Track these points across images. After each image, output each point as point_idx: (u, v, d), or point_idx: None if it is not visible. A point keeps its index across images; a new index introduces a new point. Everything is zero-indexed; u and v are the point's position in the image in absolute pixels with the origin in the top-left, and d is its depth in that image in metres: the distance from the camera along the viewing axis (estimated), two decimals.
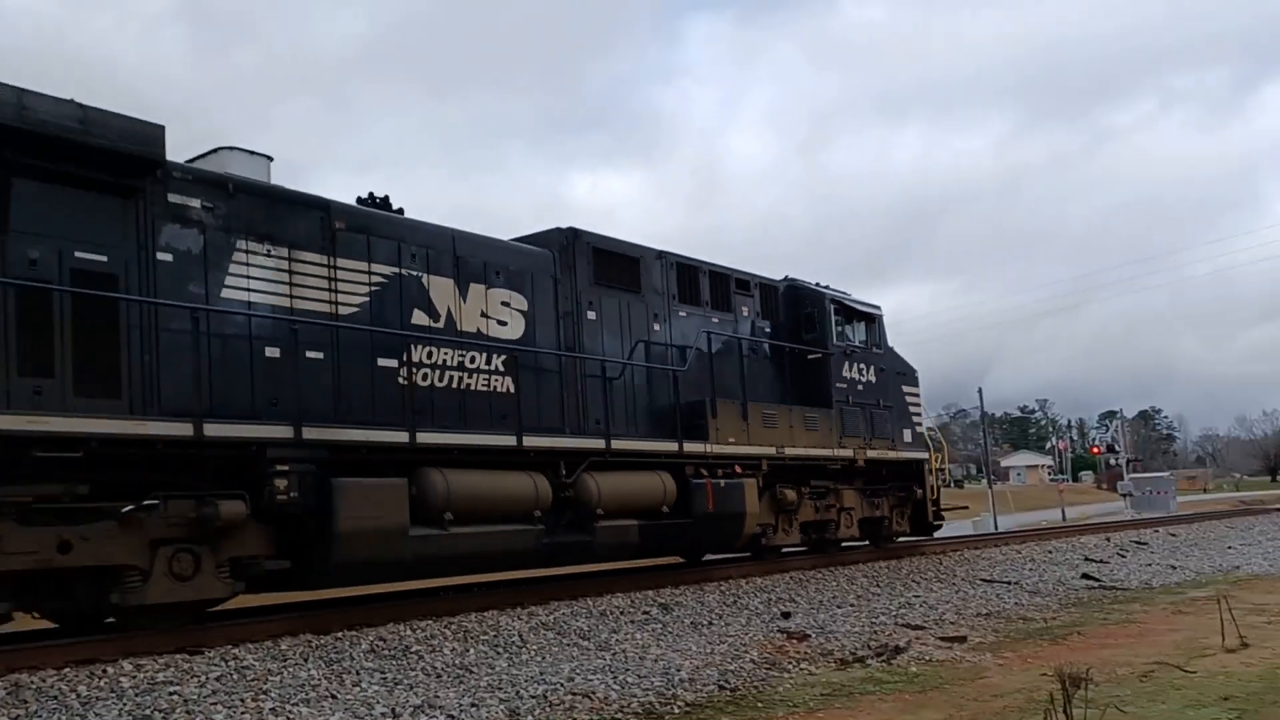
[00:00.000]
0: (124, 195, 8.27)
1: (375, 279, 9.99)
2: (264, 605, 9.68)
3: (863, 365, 15.98)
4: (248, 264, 9.05)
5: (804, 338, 15.29)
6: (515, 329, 11.22)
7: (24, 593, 7.61)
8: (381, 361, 9.81)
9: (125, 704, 6.30)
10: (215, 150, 9.59)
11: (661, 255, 13.34)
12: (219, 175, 9.12)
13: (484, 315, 10.90)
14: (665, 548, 13.19)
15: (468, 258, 10.90)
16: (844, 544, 15.63)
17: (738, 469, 13.09)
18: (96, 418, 7.62)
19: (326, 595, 10.39)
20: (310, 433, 8.75)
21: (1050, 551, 18.17)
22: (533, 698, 6.92)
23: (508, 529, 10.21)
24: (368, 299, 9.89)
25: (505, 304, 11.17)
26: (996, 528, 28.46)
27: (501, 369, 10.84)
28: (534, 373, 11.24)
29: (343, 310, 9.65)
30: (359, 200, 10.58)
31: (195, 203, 8.77)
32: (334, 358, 9.46)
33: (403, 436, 9.48)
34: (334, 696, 6.83)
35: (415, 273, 10.34)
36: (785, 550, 14.56)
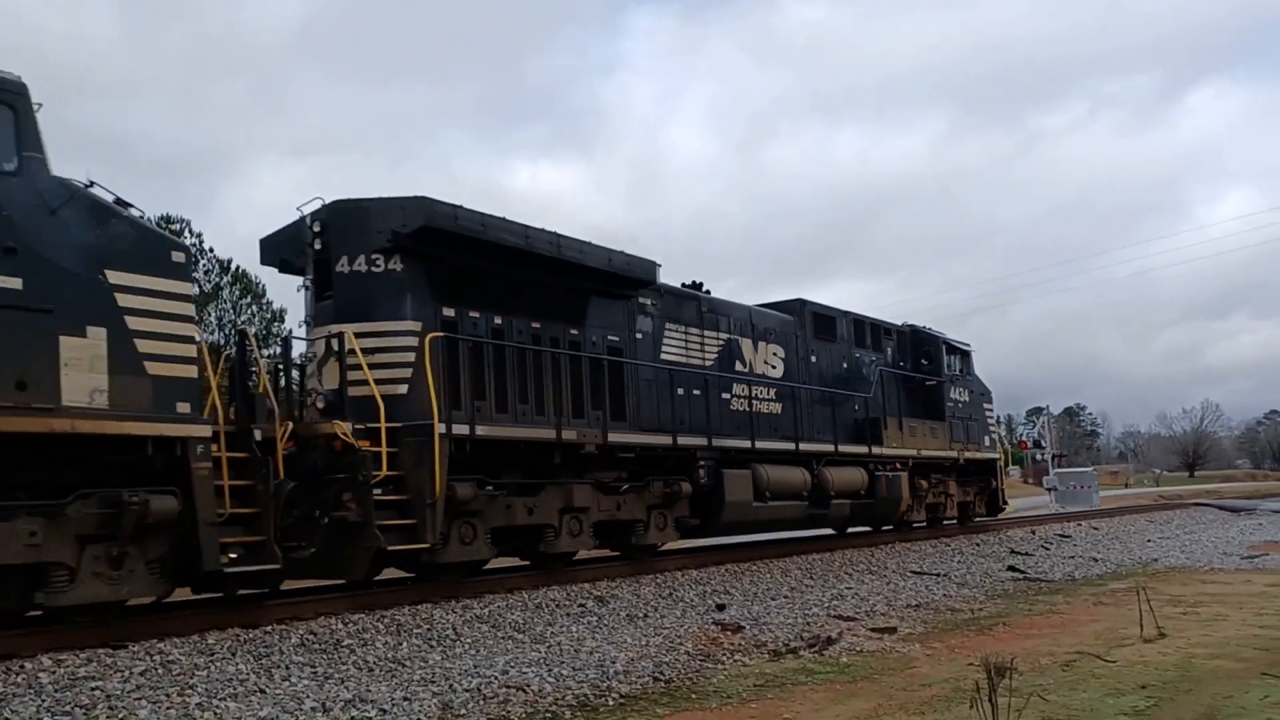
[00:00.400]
0: (626, 300, 13.41)
1: (720, 342, 15.12)
2: (189, 600, 9.48)
3: (961, 389, 21.05)
4: (670, 337, 14.23)
5: (924, 368, 20.16)
6: (779, 371, 16.31)
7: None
8: (724, 395, 14.81)
9: (44, 700, 6.13)
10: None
11: (845, 314, 18.48)
12: (658, 284, 13.84)
13: (765, 362, 16.01)
14: (861, 521, 18.06)
15: (757, 324, 16.00)
16: (944, 521, 20.56)
17: (897, 465, 17.85)
18: (626, 433, 12.62)
19: (253, 591, 10.20)
20: (716, 441, 13.86)
21: (978, 544, 18.56)
22: (466, 691, 6.88)
23: (791, 503, 15.24)
24: (717, 355, 14.99)
25: (775, 354, 16.32)
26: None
27: (774, 398, 15.87)
28: (790, 400, 16.11)
29: (706, 362, 14.74)
30: (684, 285, 15.19)
31: (649, 302, 13.80)
32: (705, 393, 14.20)
33: (746, 443, 14.51)
34: (263, 691, 6.72)
35: (735, 337, 15.43)
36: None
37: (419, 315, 10.69)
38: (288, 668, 7.32)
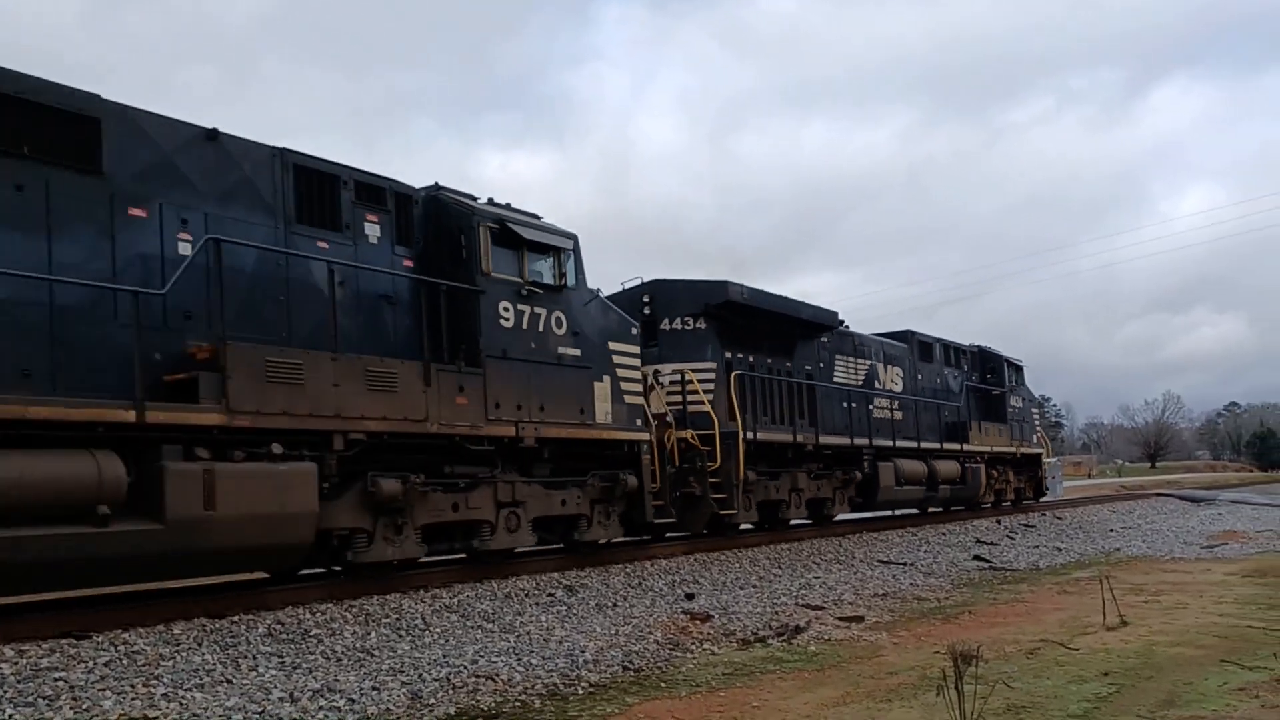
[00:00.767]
0: (815, 339, 17.95)
1: (865, 366, 19.72)
2: (154, 590, 9.38)
3: (1017, 397, 26.49)
4: (837, 365, 18.74)
5: (989, 380, 25.24)
6: (900, 387, 20.97)
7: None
8: (870, 406, 19.29)
9: (6, 691, 6.04)
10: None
11: (938, 340, 23.38)
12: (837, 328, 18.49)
13: (891, 381, 20.63)
14: (955, 502, 22.61)
15: (885, 352, 20.67)
16: (1003, 504, 25.35)
17: (978, 459, 22.91)
18: (825, 436, 17.31)
19: (219, 581, 10.11)
20: (875, 440, 18.73)
21: (944, 534, 18.75)
22: (435, 680, 6.87)
23: (916, 488, 20.21)
24: (863, 377, 19.59)
25: (897, 374, 20.99)
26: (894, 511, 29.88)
27: (898, 408, 20.50)
28: (910, 409, 20.79)
29: (859, 382, 19.30)
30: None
31: (825, 340, 18.30)
32: (861, 406, 18.91)
33: (889, 443, 19.39)
34: (229, 681, 6.67)
35: (874, 362, 20.14)
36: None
37: (715, 358, 15.47)
38: (255, 658, 7.26)
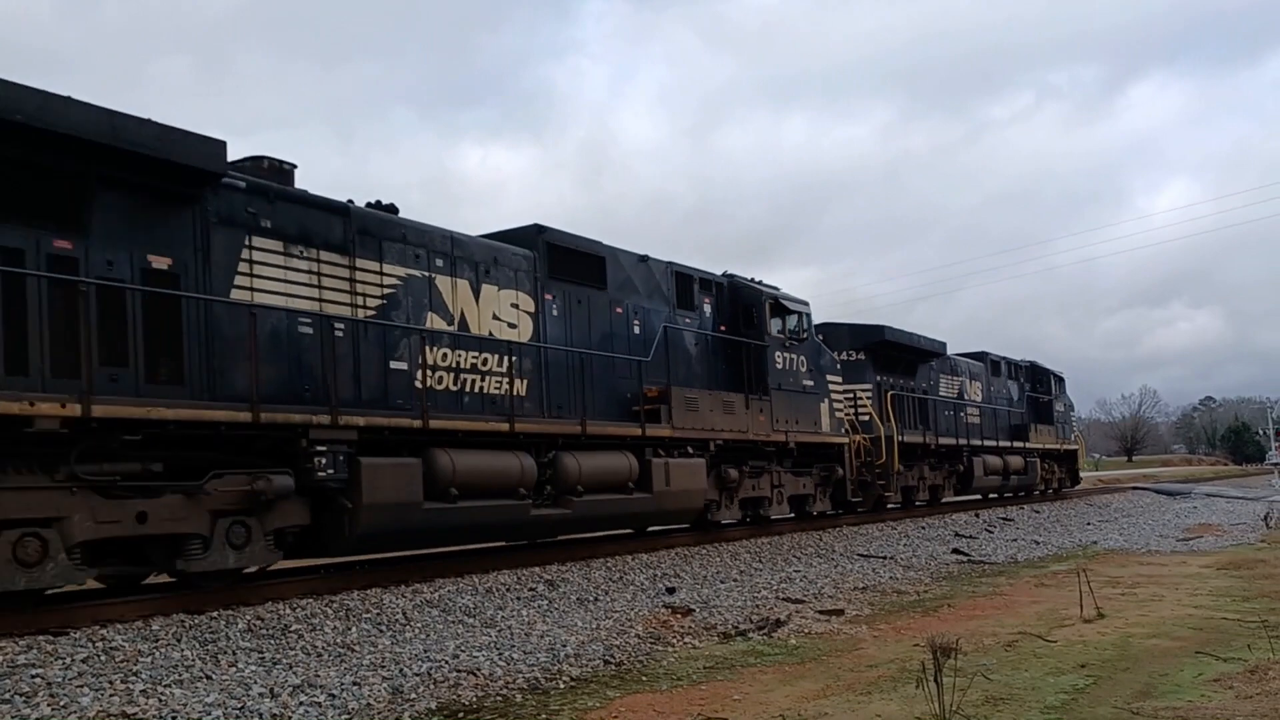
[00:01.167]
0: (929, 364, 23.28)
1: (958, 382, 24.71)
2: (132, 587, 9.32)
3: (1060, 403, 31.98)
4: (943, 382, 23.89)
5: (1039, 389, 30.54)
6: (980, 397, 26.15)
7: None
8: (961, 414, 24.53)
9: None
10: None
11: (1004, 358, 28.78)
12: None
13: (973, 394, 25.59)
14: (1020, 489, 27.70)
15: (969, 369, 25.69)
16: (1049, 490, 30.42)
17: (1034, 454, 28.23)
18: (941, 437, 22.74)
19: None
20: (971, 440, 24.18)
21: (923, 528, 18.85)
22: (417, 675, 6.86)
23: (995, 478, 25.25)
24: (957, 391, 24.79)
25: (977, 388, 26.13)
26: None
27: (980, 414, 25.44)
28: (990, 415, 26.11)
29: (954, 395, 24.41)
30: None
31: (933, 364, 23.54)
32: (964, 413, 24.33)
33: (980, 441, 24.59)
34: (209, 677, 6.63)
35: (963, 378, 25.12)
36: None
37: (872, 380, 20.69)
38: (234, 653, 7.23)
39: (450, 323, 11.39)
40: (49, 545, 7.53)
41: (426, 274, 11.21)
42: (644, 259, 14.50)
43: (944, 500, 23.59)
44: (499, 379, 11.77)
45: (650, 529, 14.88)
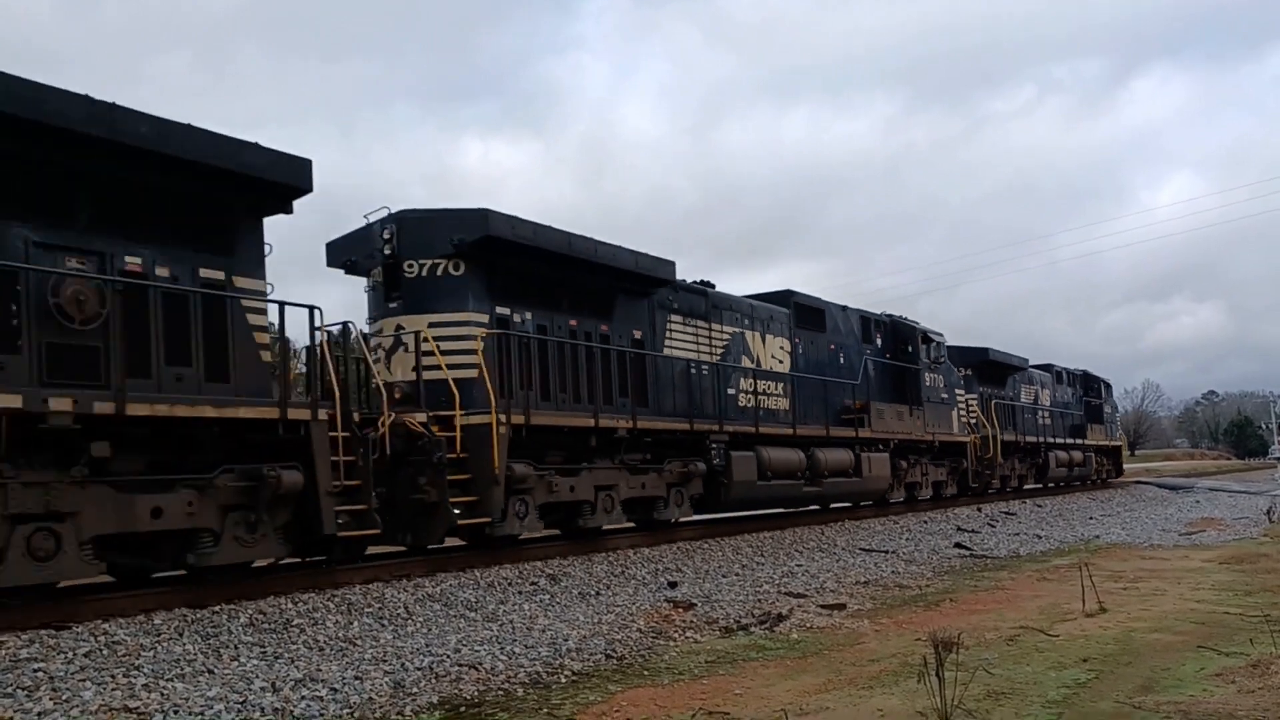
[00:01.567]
0: (1013, 375, 29.11)
1: (1034, 391, 29.90)
2: (135, 581, 9.33)
3: (1109, 406, 37.48)
4: (1024, 389, 29.45)
5: (1091, 394, 35.35)
6: (1047, 402, 30.66)
7: None
8: (1032, 415, 29.21)
9: None
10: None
11: (1066, 369, 33.69)
12: (1029, 366, 30.45)
13: (1045, 399, 30.64)
14: (1080, 479, 32.43)
15: (1044, 379, 30.97)
16: (1094, 480, 34.25)
17: (1089, 449, 33.01)
18: (1015, 434, 27.25)
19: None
20: (1046, 439, 29.70)
21: (925, 522, 18.85)
22: (418, 670, 6.86)
23: (1065, 469, 30.49)
24: (1033, 398, 29.74)
25: (1047, 394, 30.87)
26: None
27: (1050, 418, 30.69)
28: (1059, 417, 31.36)
29: (1031, 401, 29.68)
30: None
31: (1016, 375, 29.36)
32: (1041, 416, 30.33)
33: (1053, 439, 30.17)
34: (211, 671, 6.64)
35: (1037, 387, 30.11)
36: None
37: (977, 391, 25.60)
38: (236, 647, 7.24)
39: (753, 362, 16.81)
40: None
41: (740, 330, 16.63)
42: (844, 309, 20.00)
43: (1025, 488, 28.13)
44: (777, 398, 17.30)
45: (860, 504, 20.33)
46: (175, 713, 5.75)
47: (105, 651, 6.78)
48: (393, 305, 12.06)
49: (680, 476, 14.28)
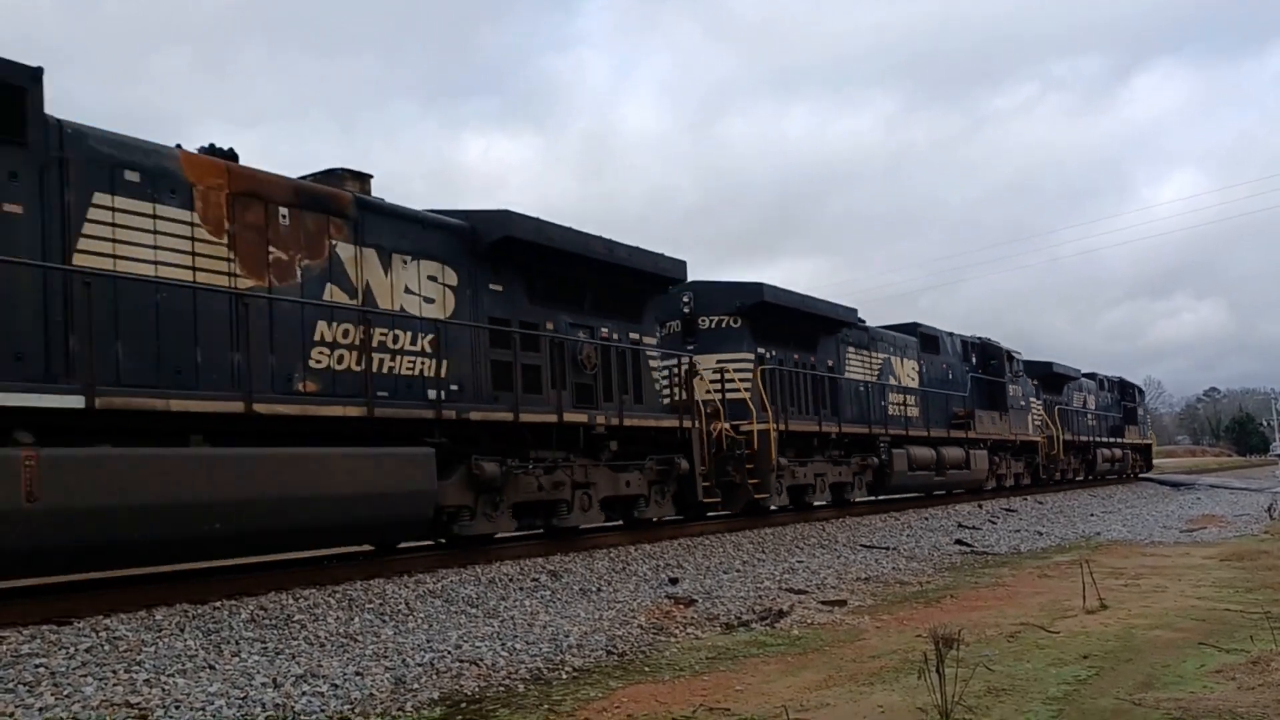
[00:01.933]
0: (1070, 384, 33.88)
1: (1084, 397, 35.20)
2: (136, 576, 9.34)
3: (1142, 409, 42.47)
4: (1086, 398, 35.74)
5: (1126, 398, 39.78)
6: (1093, 406, 35.65)
7: None
8: (1090, 418, 34.35)
9: None
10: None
11: (1108, 377, 38.11)
12: (1083, 378, 35.72)
13: (1092, 405, 35.68)
14: (1118, 472, 36.10)
15: (1092, 386, 35.79)
16: (1128, 473, 38.11)
17: (1126, 447, 37.62)
18: (1072, 434, 32.54)
19: (204, 565, 10.08)
20: (1095, 438, 35.00)
21: (926, 519, 18.85)
22: (419, 666, 6.87)
23: (1110, 464, 35.41)
24: (1081, 405, 34.67)
25: (1092, 400, 35.79)
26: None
27: (1096, 420, 35.26)
28: (1104, 418, 35.92)
29: (1079, 407, 34.31)
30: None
31: (1075, 384, 34.63)
32: (1088, 417, 35.05)
33: (1099, 439, 35.12)
34: (212, 667, 6.65)
35: (1086, 394, 34.89)
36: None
37: (1042, 399, 29.94)
38: (237, 643, 7.25)
39: (897, 380, 21.38)
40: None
41: (887, 356, 21.20)
42: (950, 334, 24.76)
43: (1076, 479, 32.26)
44: (912, 408, 21.69)
45: (966, 491, 24.07)
46: (176, 708, 5.75)
47: (106, 647, 6.79)
48: (690, 347, 16.35)
49: (860, 467, 19.29)
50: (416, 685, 6.43)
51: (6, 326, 7.49)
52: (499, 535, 11.93)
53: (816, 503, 18.21)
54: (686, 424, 14.07)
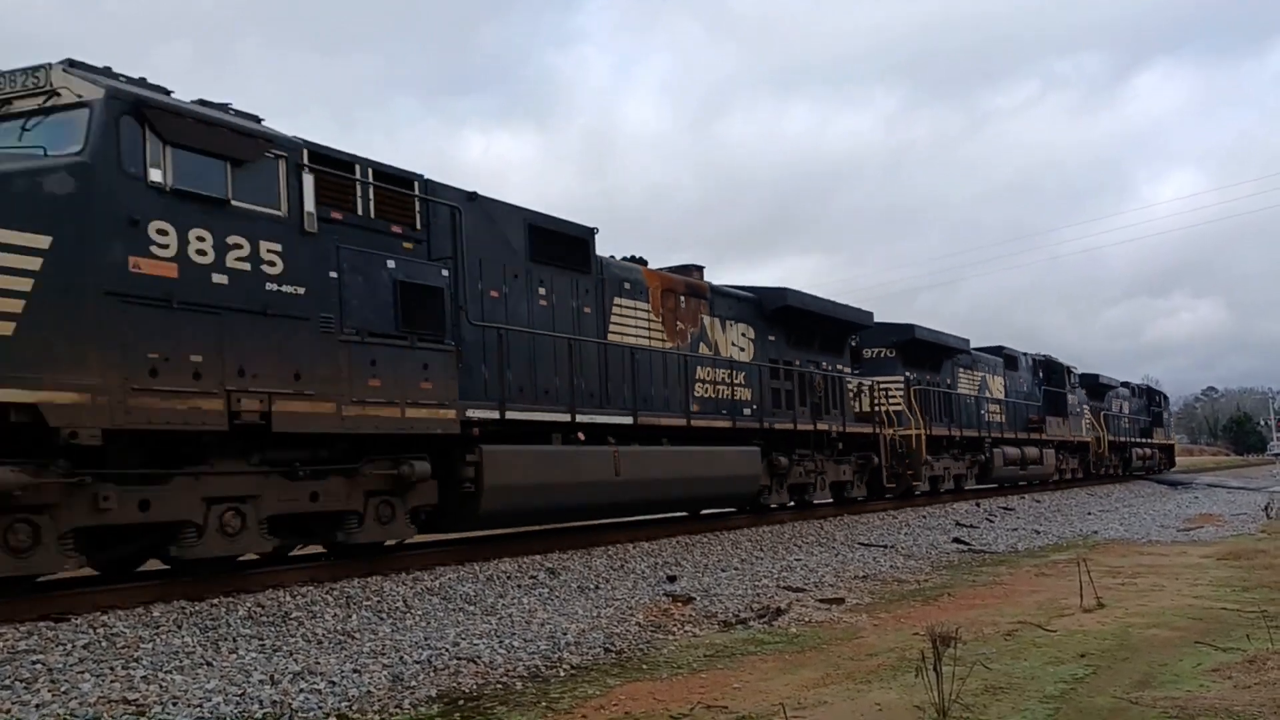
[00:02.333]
0: (1110, 391, 39.45)
1: (1121, 403, 40.25)
2: (134, 572, 9.34)
3: (1167, 413, 48.43)
4: (1119, 404, 39.94)
5: (1154, 405, 45.19)
6: (1128, 411, 41.00)
7: None
8: (1123, 421, 39.68)
9: None
10: None
11: (1136, 384, 45.07)
12: (1111, 383, 40.03)
13: (1124, 411, 40.20)
14: (1150, 469, 41.24)
15: (1125, 394, 41.21)
16: (1155, 471, 41.84)
17: (1153, 448, 42.36)
18: (1112, 437, 37.65)
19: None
20: (1130, 439, 40.57)
21: (924, 517, 18.86)
22: (417, 663, 6.87)
23: (1142, 461, 40.83)
24: (1114, 409, 38.94)
25: (1127, 406, 41.30)
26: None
27: (1130, 424, 40.48)
28: (1134, 421, 41.00)
29: (1116, 412, 39.36)
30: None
31: (1114, 391, 40.01)
32: (1122, 420, 39.45)
33: (1133, 439, 40.41)
34: (209, 664, 6.65)
35: (1123, 401, 40.40)
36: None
37: (1087, 403, 33.83)
38: (235, 640, 7.25)
39: (991, 394, 26.38)
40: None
41: (983, 374, 26.34)
42: (1024, 354, 30.12)
43: (1113, 474, 36.52)
44: (1000, 415, 26.53)
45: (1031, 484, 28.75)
46: (174, 705, 5.76)
47: (104, 644, 6.79)
48: (856, 371, 20.45)
49: (972, 463, 24.36)
50: (414, 683, 6.43)
51: (588, 376, 12.78)
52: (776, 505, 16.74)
53: (944, 488, 23.41)
54: (878, 430, 19.50)
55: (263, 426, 8.42)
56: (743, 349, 16.18)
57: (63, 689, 5.88)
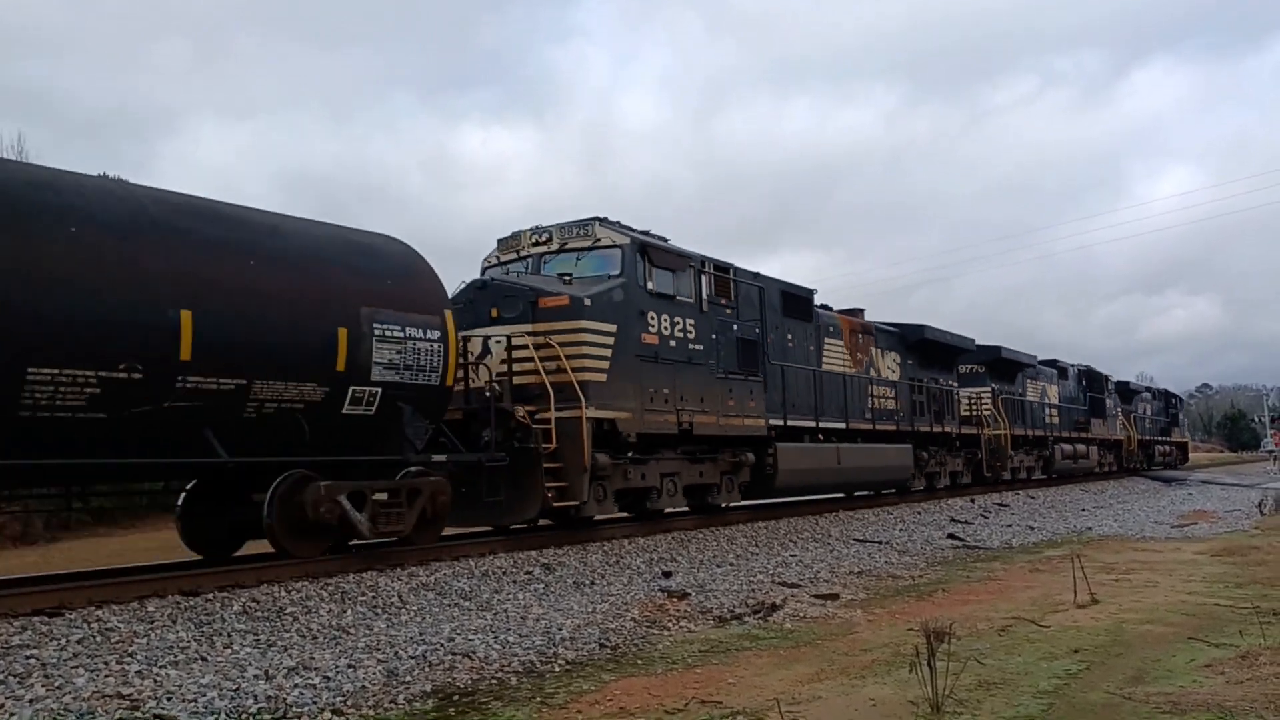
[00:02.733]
0: (1141, 395, 47.01)
1: (1144, 403, 46.11)
2: (128, 567, 9.33)
3: (1181, 412, 56.60)
4: (1142, 406, 45.72)
5: (1169, 407, 51.03)
6: (1150, 412, 46.34)
7: None
8: (1146, 421, 46.02)
9: None
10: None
11: (1153, 388, 51.29)
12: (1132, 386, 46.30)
13: (1150, 409, 46.65)
14: (1168, 464, 47.17)
15: (1145, 395, 46.68)
16: (1170, 465, 47.53)
17: (1171, 445, 49.70)
18: (1140, 436, 43.97)
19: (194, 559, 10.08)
20: (1149, 436, 46.13)
21: (919, 513, 18.89)
22: (412, 658, 6.87)
23: (1164, 457, 48.32)
24: (1140, 411, 45.00)
25: (1148, 407, 46.55)
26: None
27: (1152, 425, 46.24)
28: (1153, 423, 46.98)
29: (1142, 414, 45.14)
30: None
31: (1145, 396, 47.51)
32: (1147, 421, 45.96)
33: (1154, 438, 47.06)
34: (204, 659, 6.64)
35: (1144, 402, 45.71)
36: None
37: (1121, 408, 40.46)
38: (230, 635, 7.24)
39: (1049, 400, 31.40)
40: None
41: (1043, 383, 31.10)
42: (1072, 365, 34.77)
43: (1138, 469, 41.05)
44: (1054, 418, 31.23)
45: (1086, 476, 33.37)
46: (168, 700, 5.75)
47: (98, 638, 6.78)
48: (953, 384, 24.61)
49: (1039, 458, 29.17)
50: (409, 678, 6.43)
51: (818, 394, 17.88)
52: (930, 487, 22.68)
53: (1020, 476, 27.91)
54: (979, 430, 25.06)
55: (688, 431, 13.78)
56: (894, 371, 21.55)
57: (57, 683, 5.87)
